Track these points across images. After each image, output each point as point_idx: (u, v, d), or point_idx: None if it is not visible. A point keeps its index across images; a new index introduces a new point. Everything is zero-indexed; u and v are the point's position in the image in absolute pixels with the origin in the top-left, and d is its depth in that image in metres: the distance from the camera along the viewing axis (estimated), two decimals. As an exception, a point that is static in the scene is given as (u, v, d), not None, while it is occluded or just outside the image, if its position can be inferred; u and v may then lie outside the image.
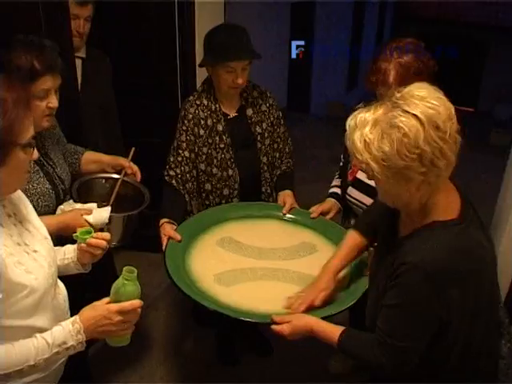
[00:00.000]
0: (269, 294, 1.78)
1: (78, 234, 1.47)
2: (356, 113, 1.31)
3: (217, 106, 2.21)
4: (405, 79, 1.84)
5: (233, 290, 1.78)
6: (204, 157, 2.20)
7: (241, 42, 2.11)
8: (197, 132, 2.18)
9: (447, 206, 1.34)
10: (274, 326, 1.57)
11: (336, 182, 2.34)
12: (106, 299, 1.34)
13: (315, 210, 2.19)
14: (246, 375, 2.70)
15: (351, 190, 2.17)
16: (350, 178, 2.17)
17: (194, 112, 2.19)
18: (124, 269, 1.31)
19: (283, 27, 6.48)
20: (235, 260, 1.93)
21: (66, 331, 1.27)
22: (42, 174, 1.74)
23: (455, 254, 1.29)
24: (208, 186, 2.25)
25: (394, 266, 1.34)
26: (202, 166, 2.21)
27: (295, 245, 2.04)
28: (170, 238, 1.97)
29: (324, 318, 1.58)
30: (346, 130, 1.32)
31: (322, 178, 2.41)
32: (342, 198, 2.26)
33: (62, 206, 1.79)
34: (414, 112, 1.21)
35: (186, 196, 2.23)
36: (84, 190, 1.97)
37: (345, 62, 8.70)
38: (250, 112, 2.26)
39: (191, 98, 2.23)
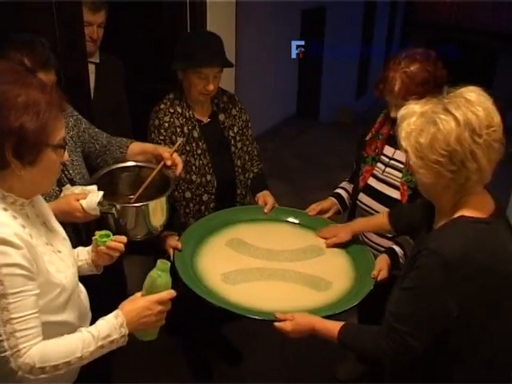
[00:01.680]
0: (274, 294, 1.82)
1: (97, 237, 1.51)
2: (409, 103, 1.40)
3: (190, 112, 2.21)
4: (409, 89, 1.88)
5: (238, 288, 1.81)
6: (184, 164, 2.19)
7: (214, 48, 2.13)
8: (174, 140, 2.15)
9: (478, 205, 1.36)
10: (276, 323, 1.61)
11: (343, 184, 2.37)
12: (139, 293, 1.38)
13: (314, 207, 2.21)
14: (252, 381, 2.72)
15: (362, 196, 2.19)
16: (361, 184, 2.20)
17: (169, 120, 2.17)
18: (158, 261, 1.38)
19: (295, 27, 6.52)
20: (243, 260, 1.96)
21: (110, 324, 1.31)
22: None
23: (475, 248, 1.29)
24: (188, 194, 2.23)
25: (417, 253, 1.37)
26: (182, 174, 2.18)
27: (303, 247, 2.07)
28: (175, 248, 1.97)
29: (327, 318, 1.62)
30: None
31: (332, 186, 2.42)
32: (352, 205, 2.27)
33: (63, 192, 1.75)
34: (455, 113, 1.28)
35: (176, 204, 2.22)
36: (110, 179, 1.91)
37: (354, 69, 8.72)
38: (222, 117, 2.29)
39: (163, 106, 2.21)
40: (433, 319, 1.34)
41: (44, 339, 1.23)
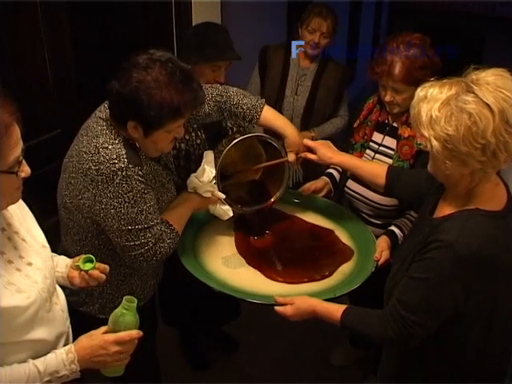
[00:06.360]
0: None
1: (79, 263, 1.45)
2: (428, 85, 1.31)
3: None
4: (410, 72, 1.88)
5: (239, 272, 1.81)
6: (183, 152, 2.23)
7: (228, 41, 2.17)
8: None
9: (493, 196, 1.34)
10: (277, 308, 1.60)
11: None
12: (104, 328, 1.31)
13: (308, 187, 2.17)
14: (248, 367, 2.78)
15: (351, 183, 2.16)
16: None
17: None
18: (124, 298, 1.30)
19: (280, 27, 6.52)
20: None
21: (59, 360, 1.24)
22: (172, 183, 1.81)
23: (491, 244, 1.28)
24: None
25: (426, 241, 1.35)
26: (182, 162, 2.22)
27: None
28: None
29: (327, 300, 1.61)
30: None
31: (320, 173, 2.43)
32: (338, 188, 2.26)
33: (199, 182, 1.85)
34: (487, 101, 1.20)
35: None
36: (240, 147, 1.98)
37: (342, 56, 8.75)
38: None
39: None
40: (442, 309, 1.35)
41: (12, 361, 1.20)
